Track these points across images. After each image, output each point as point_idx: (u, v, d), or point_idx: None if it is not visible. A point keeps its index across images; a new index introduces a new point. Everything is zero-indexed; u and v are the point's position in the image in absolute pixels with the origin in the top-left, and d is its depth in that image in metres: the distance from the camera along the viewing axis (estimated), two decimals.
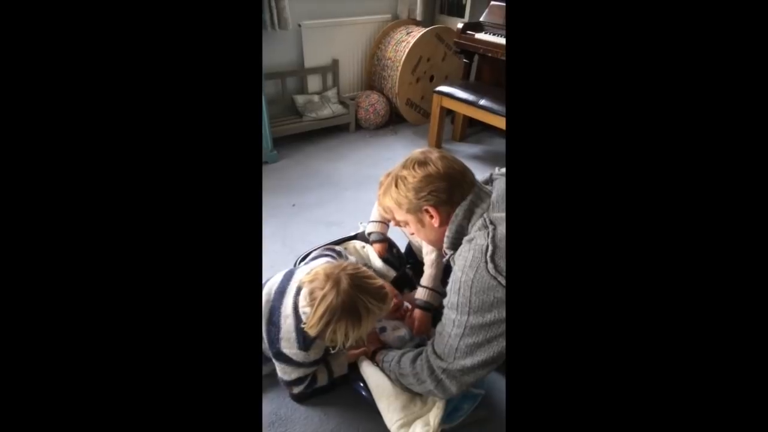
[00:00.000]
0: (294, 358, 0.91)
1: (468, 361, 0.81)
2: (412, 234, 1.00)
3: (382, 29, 2.89)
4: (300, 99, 2.74)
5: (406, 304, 1.20)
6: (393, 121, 2.99)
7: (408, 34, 2.76)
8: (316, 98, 2.77)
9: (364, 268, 0.93)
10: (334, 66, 2.81)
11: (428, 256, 1.15)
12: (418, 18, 2.92)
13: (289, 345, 0.91)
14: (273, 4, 2.35)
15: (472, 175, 0.91)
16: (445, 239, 0.86)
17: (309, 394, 1.18)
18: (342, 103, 2.85)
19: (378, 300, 0.89)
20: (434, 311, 1.16)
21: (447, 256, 0.87)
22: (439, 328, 0.87)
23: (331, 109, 2.76)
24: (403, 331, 1.10)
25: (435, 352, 0.87)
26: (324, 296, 0.85)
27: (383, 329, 1.12)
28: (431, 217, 0.88)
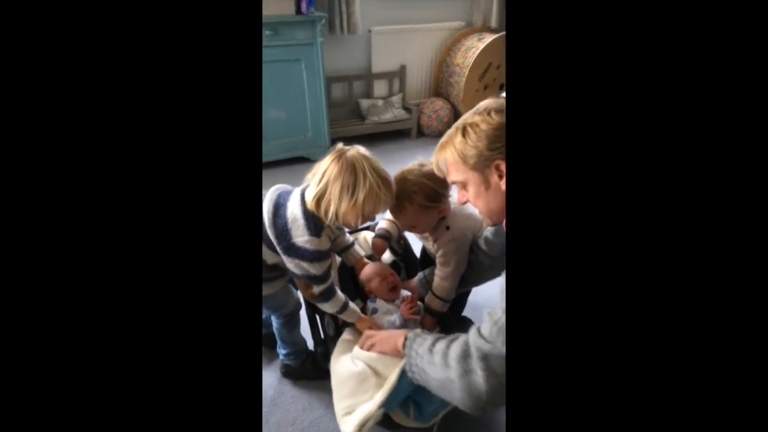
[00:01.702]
0: (306, 246, 0.86)
1: None
2: (465, 203, 0.83)
3: (453, 36, 2.84)
4: (365, 103, 2.79)
5: (405, 292, 1.11)
6: None
7: (479, 40, 2.68)
8: (380, 102, 2.80)
9: None
10: (401, 72, 2.82)
11: (444, 267, 1.05)
12: (493, 25, 2.83)
13: (299, 232, 0.86)
14: (343, 8, 2.44)
15: None
16: None
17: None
18: (406, 108, 2.84)
19: (381, 179, 0.83)
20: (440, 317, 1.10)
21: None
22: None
23: (393, 114, 2.77)
24: (393, 317, 1.02)
25: (480, 333, 0.71)
26: (326, 164, 0.85)
27: (375, 311, 1.05)
28: (500, 176, 0.72)
